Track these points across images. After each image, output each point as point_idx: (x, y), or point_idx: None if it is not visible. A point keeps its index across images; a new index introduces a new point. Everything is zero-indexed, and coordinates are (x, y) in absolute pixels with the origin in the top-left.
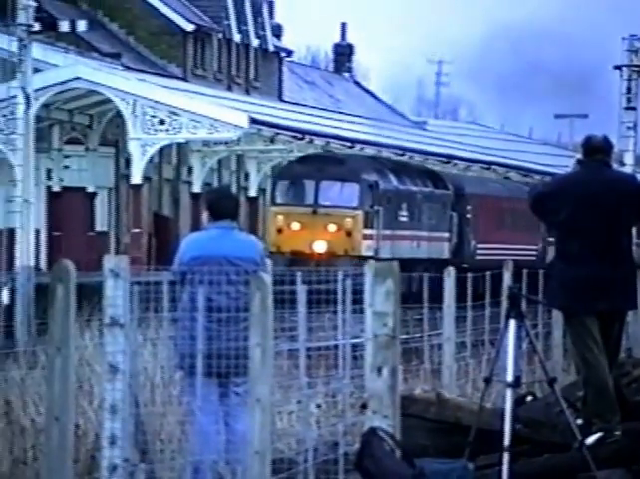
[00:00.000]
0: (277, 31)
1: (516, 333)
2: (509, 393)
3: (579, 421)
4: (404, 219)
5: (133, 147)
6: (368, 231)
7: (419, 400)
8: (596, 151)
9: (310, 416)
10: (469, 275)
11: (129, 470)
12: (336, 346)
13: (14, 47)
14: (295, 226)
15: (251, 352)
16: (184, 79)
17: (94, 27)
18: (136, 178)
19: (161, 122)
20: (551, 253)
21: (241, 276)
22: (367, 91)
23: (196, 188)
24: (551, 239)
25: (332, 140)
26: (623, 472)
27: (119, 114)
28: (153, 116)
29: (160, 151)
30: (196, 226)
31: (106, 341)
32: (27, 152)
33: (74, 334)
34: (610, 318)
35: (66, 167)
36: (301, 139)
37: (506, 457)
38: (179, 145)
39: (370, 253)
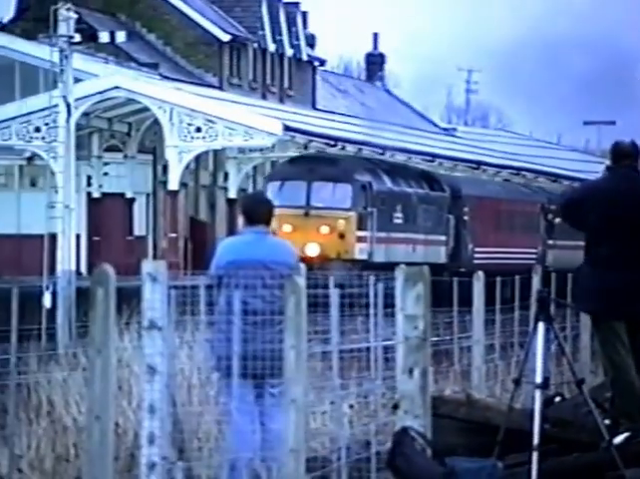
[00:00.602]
0: (311, 41)
1: (545, 336)
2: (538, 394)
3: (607, 421)
4: (399, 221)
5: (170, 154)
6: (361, 233)
7: (449, 401)
8: (624, 156)
9: (343, 416)
10: (498, 279)
11: (167, 467)
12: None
13: (56, 57)
14: (286, 228)
15: (286, 354)
16: (220, 88)
17: (132, 38)
18: (173, 184)
19: (198, 130)
20: (551, 256)
21: (276, 280)
22: (398, 99)
23: (232, 194)
24: (551, 242)
25: (363, 146)
26: None
27: (157, 122)
28: (189, 124)
29: (197, 158)
30: (232, 231)
31: (145, 343)
32: (68, 159)
33: (114, 336)
34: (637, 322)
35: (105, 174)
36: (333, 146)
37: (535, 456)
38: (215, 152)
39: (364, 257)
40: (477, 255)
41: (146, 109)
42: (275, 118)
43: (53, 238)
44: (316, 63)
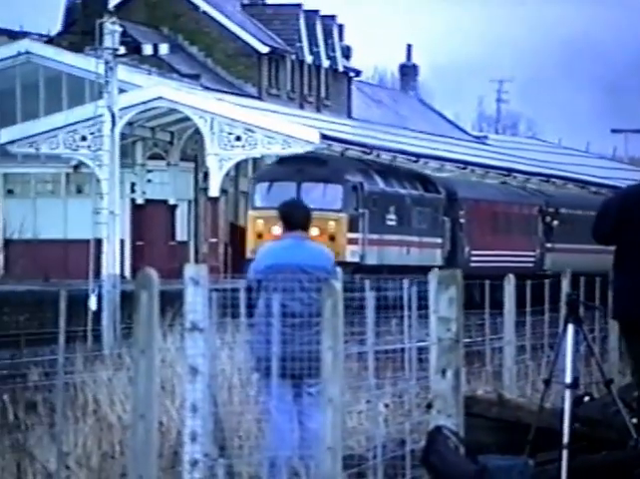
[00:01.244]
0: (346, 52)
1: (574, 337)
2: (568, 394)
3: (634, 420)
4: (392, 223)
5: (211, 162)
6: (353, 235)
7: (481, 400)
8: None
9: (378, 415)
10: (528, 282)
11: (209, 464)
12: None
13: (101, 69)
14: (276, 230)
15: (323, 355)
16: (259, 98)
17: (175, 50)
18: (214, 191)
19: (238, 138)
20: (549, 259)
21: (313, 283)
22: (431, 108)
23: None
24: (549, 245)
25: (398, 154)
26: None
27: (198, 131)
28: (229, 133)
29: (237, 165)
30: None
31: (187, 345)
32: (113, 167)
33: (157, 338)
34: None
35: (149, 181)
36: (369, 154)
37: (565, 454)
38: (255, 159)
39: (355, 259)
40: (473, 258)
41: (187, 118)
42: (312, 127)
43: (98, 242)
44: (352, 74)
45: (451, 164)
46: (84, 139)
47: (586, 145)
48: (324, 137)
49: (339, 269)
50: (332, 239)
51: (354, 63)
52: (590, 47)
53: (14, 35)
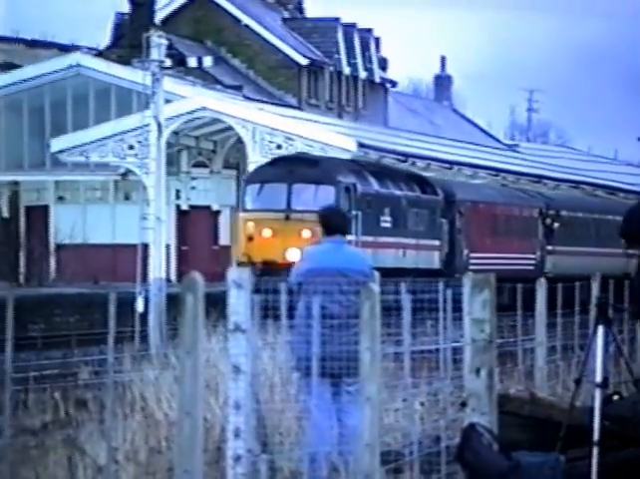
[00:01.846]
0: (383, 64)
1: (604, 338)
2: (598, 393)
3: None
4: (387, 225)
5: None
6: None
7: (514, 399)
8: None
9: (414, 413)
10: (559, 285)
11: (251, 460)
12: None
13: (148, 81)
14: (267, 233)
15: (361, 355)
16: (299, 108)
17: (218, 62)
18: None
19: (278, 147)
20: (549, 262)
21: (352, 286)
22: (464, 117)
23: None
24: (549, 248)
25: (431, 162)
26: None
27: (240, 140)
28: (270, 141)
29: None
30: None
31: (230, 345)
32: (159, 175)
33: (202, 338)
34: None
35: (193, 188)
36: (404, 161)
37: (595, 451)
38: None
39: None
40: (472, 261)
41: (230, 128)
42: (350, 135)
43: (145, 247)
44: (388, 85)
45: (483, 171)
46: (131, 147)
47: (615, 152)
48: (361, 145)
49: (376, 273)
50: None
51: (390, 74)
52: (619, 57)
53: (65, 49)
